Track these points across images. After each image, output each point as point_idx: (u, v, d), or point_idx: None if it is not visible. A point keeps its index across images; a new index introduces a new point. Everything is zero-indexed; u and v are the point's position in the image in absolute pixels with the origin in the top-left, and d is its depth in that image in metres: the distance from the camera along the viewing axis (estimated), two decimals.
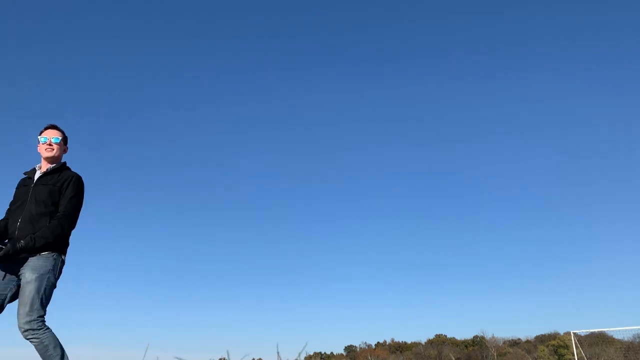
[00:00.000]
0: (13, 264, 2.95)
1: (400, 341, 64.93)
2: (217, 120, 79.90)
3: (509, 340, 59.02)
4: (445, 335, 62.36)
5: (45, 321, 2.86)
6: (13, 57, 69.94)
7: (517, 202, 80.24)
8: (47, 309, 2.91)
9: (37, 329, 2.80)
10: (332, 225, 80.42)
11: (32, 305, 2.82)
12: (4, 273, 2.96)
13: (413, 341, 62.79)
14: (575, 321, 67.50)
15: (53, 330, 2.88)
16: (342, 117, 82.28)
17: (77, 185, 3.16)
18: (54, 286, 2.96)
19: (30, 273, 2.88)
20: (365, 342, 64.67)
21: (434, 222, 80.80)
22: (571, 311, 66.68)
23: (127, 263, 72.75)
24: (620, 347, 42.31)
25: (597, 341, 43.75)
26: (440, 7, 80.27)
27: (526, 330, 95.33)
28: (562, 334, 51.63)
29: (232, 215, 78.13)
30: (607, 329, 35.04)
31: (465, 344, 60.09)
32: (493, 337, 57.31)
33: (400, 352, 61.01)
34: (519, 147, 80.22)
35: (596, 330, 35.71)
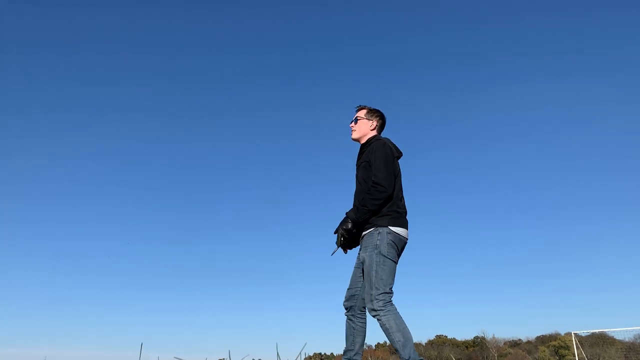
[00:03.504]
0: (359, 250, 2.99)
1: None
2: (218, 120, 79.82)
3: (510, 341, 58.99)
4: (446, 336, 62.34)
5: (386, 300, 2.73)
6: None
7: (517, 202, 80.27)
8: (384, 288, 2.75)
9: (377, 309, 2.72)
10: (332, 224, 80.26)
11: (369, 285, 2.77)
12: (358, 268, 3.00)
13: (413, 342, 62.63)
14: (576, 322, 67.36)
15: (392, 311, 2.73)
16: (346, 117, 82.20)
17: (375, 151, 2.96)
18: (386, 261, 2.79)
19: (362, 253, 2.88)
20: (365, 343, 64.53)
21: (434, 221, 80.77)
22: (572, 311, 66.55)
23: (126, 263, 72.65)
24: (622, 348, 42.23)
25: (598, 342, 43.68)
26: (443, 13, 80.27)
27: (527, 330, 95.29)
28: (562, 334, 51.59)
29: (232, 214, 78.11)
30: (608, 330, 34.97)
31: (466, 344, 60.02)
32: (494, 337, 57.27)
33: None
34: (518, 148, 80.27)
35: (597, 330, 35.56)
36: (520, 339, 59.64)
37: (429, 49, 79.04)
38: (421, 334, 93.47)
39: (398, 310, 2.77)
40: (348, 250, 3.04)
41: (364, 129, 3.20)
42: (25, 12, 66.52)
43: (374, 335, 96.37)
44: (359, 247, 3.03)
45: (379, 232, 2.83)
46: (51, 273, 65.15)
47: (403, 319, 2.75)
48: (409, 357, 2.68)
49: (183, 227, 75.98)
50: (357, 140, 3.22)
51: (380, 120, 3.26)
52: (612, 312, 62.70)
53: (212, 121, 77.15)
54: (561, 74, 73.42)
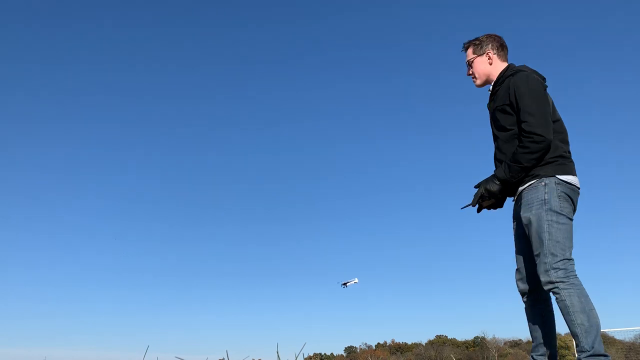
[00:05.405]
0: (515, 212, 2.49)
1: (401, 342, 64.86)
2: (214, 117, 79.80)
3: (510, 341, 58.97)
4: (446, 336, 62.31)
5: (569, 270, 2.18)
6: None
7: None
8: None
9: (556, 280, 2.16)
10: (332, 224, 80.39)
11: (542, 252, 2.22)
12: (521, 238, 2.47)
13: (413, 342, 62.65)
14: None
15: (576, 285, 2.16)
16: (347, 111, 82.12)
17: (519, 87, 2.36)
18: (561, 218, 2.23)
19: (524, 214, 2.32)
20: (366, 343, 64.51)
21: (435, 221, 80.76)
22: None
23: (125, 263, 72.64)
24: (622, 348, 42.07)
25: None
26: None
27: (527, 330, 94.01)
28: (563, 334, 51.40)
29: (231, 214, 78.06)
30: (609, 330, 34.70)
31: (466, 344, 60.00)
32: (494, 337, 57.28)
33: (401, 353, 60.91)
34: None
35: None
36: (520, 339, 59.59)
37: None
38: (421, 334, 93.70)
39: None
40: (483, 211, 2.59)
41: (483, 67, 2.61)
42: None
43: (375, 335, 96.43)
44: (512, 212, 2.56)
45: (545, 184, 2.27)
46: (51, 273, 65.21)
47: (590, 298, 2.17)
48: (592, 347, 2.08)
49: (182, 226, 76.06)
50: (484, 85, 2.64)
51: (496, 44, 2.62)
52: (612, 312, 62.71)
53: (212, 119, 77.16)
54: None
